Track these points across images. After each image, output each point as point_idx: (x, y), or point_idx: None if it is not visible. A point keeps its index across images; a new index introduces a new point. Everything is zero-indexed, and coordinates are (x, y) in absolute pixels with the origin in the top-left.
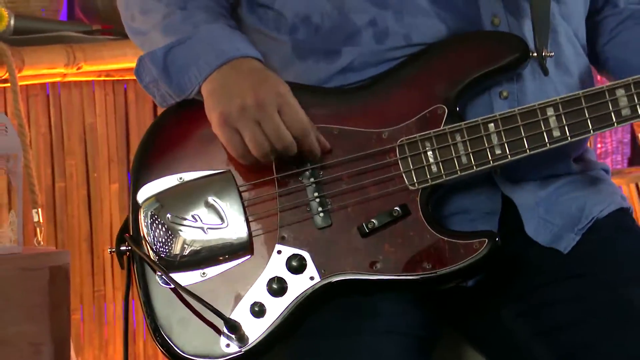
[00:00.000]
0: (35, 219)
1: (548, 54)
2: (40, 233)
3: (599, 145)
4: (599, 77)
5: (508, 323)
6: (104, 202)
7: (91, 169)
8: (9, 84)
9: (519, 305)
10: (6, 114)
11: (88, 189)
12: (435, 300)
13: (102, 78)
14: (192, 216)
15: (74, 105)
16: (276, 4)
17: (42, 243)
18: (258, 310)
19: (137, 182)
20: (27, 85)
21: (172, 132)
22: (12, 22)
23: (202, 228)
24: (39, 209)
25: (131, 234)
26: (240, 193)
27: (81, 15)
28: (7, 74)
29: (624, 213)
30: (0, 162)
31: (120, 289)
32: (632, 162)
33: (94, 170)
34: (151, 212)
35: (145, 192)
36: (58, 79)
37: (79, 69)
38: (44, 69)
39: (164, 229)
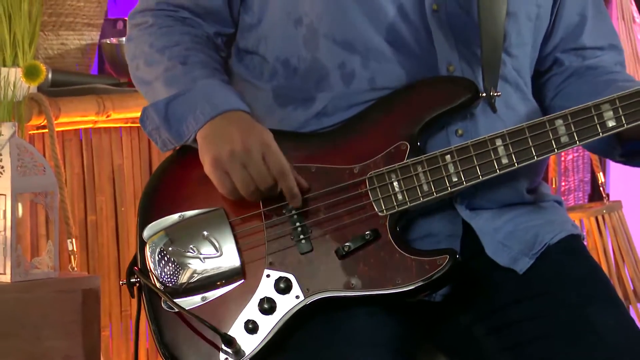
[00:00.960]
0: (70, 248)
1: (496, 94)
2: (74, 260)
3: (563, 184)
4: None
5: (478, 338)
6: (130, 233)
7: (119, 204)
8: (47, 130)
9: (487, 322)
10: (44, 156)
11: (116, 222)
12: (411, 315)
13: (128, 125)
14: (191, 248)
15: (104, 149)
16: (260, 49)
17: (75, 269)
18: (251, 327)
19: (143, 221)
20: (62, 131)
21: (172, 177)
22: (49, 76)
23: (199, 258)
24: (73, 239)
25: (139, 267)
26: (231, 226)
27: (110, 70)
28: (46, 121)
29: (575, 239)
30: (39, 199)
31: (144, 309)
32: (592, 198)
33: (121, 205)
34: (156, 247)
35: (151, 230)
36: (90, 126)
37: (108, 116)
38: (77, 117)
39: (167, 261)
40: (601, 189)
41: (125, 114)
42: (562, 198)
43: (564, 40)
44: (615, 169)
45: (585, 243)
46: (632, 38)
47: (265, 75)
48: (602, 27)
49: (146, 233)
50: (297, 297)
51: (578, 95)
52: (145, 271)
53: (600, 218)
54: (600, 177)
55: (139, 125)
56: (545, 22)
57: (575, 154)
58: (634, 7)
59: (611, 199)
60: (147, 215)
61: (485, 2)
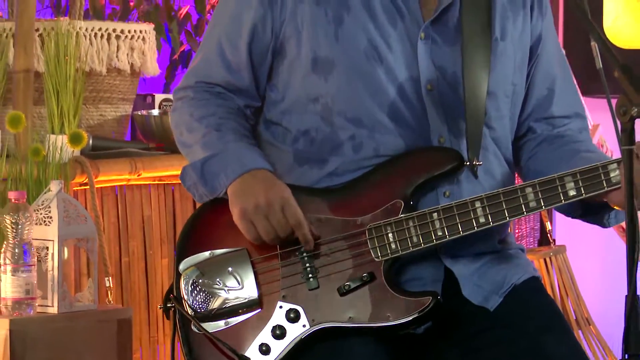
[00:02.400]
0: (107, 285)
1: (478, 163)
2: (111, 295)
3: (516, 230)
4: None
5: None
6: (157, 272)
7: (148, 248)
8: (88, 187)
9: (460, 348)
10: (86, 208)
11: (145, 263)
12: (398, 345)
13: (156, 182)
14: (218, 281)
15: (135, 202)
16: (283, 121)
17: (112, 302)
18: (265, 350)
19: (179, 257)
20: (101, 187)
21: (205, 221)
22: (90, 141)
23: (224, 290)
24: (110, 277)
25: (175, 294)
26: (252, 264)
27: (140, 137)
28: (87, 180)
29: (535, 280)
30: (81, 244)
31: (169, 335)
32: (540, 243)
33: (150, 249)
34: (189, 278)
35: (185, 264)
36: (124, 183)
37: (139, 175)
38: (113, 176)
39: (198, 291)
40: (548, 235)
41: (153, 173)
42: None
43: (535, 110)
44: (560, 218)
45: None
46: None
47: (288, 141)
48: (568, 98)
49: (182, 266)
50: (304, 326)
51: (548, 161)
52: (179, 298)
53: (547, 260)
54: (548, 226)
55: (165, 182)
56: (520, 97)
57: None
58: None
59: (557, 244)
60: (182, 251)
61: (469, 83)
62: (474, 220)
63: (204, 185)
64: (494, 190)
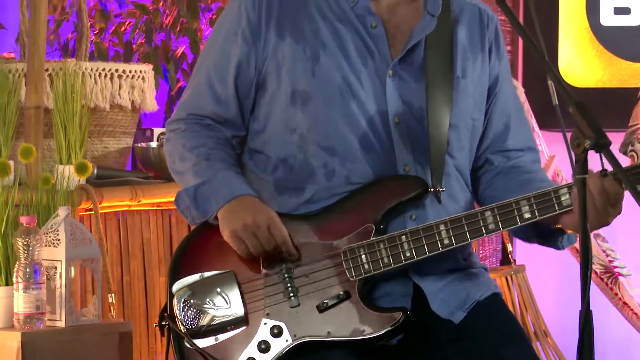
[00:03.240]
0: (110, 301)
1: (441, 189)
2: (113, 310)
3: (480, 251)
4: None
5: None
6: (156, 290)
7: (147, 267)
8: (93, 212)
9: (429, 358)
10: (91, 231)
11: (145, 281)
12: (373, 356)
13: (155, 208)
14: (208, 301)
15: (136, 226)
16: (265, 149)
17: (114, 316)
18: None
19: (172, 279)
20: (105, 212)
21: (195, 246)
22: (95, 171)
23: (214, 309)
24: (113, 294)
25: (168, 313)
26: (239, 285)
27: (140, 167)
28: (92, 206)
29: (497, 296)
30: (87, 264)
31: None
32: (502, 263)
33: (149, 268)
34: (181, 298)
35: (178, 285)
36: (125, 209)
37: (139, 202)
38: (115, 202)
39: (189, 310)
40: (509, 256)
41: (152, 200)
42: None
43: (493, 144)
44: (520, 241)
45: None
46: None
47: (268, 170)
48: (522, 133)
49: (174, 288)
50: (287, 340)
51: (504, 190)
52: (172, 317)
53: (509, 278)
54: (509, 247)
55: (162, 208)
56: (478, 131)
57: None
58: (533, 120)
59: (517, 263)
60: (175, 274)
61: (433, 117)
62: (439, 242)
63: (196, 209)
64: (456, 214)
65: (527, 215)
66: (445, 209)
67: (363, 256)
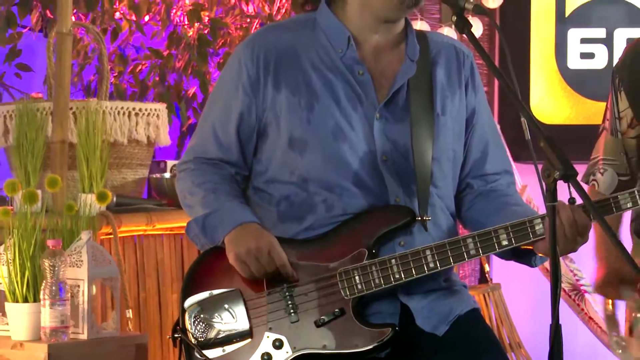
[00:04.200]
0: (127, 315)
1: (427, 218)
2: (130, 324)
3: (461, 271)
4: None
5: None
6: (169, 305)
7: (161, 285)
8: (112, 236)
9: None
10: (110, 253)
11: (159, 298)
12: None
13: (168, 232)
14: (216, 316)
15: (151, 248)
16: (268, 189)
17: (131, 330)
18: None
19: (184, 296)
20: (123, 236)
21: (204, 267)
22: (114, 199)
23: (221, 323)
24: (130, 309)
25: (180, 327)
26: (244, 302)
27: (155, 195)
28: (111, 230)
29: (476, 311)
30: (106, 282)
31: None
32: (480, 281)
33: (163, 287)
34: (192, 313)
35: (189, 302)
36: (141, 233)
37: (154, 227)
38: (133, 227)
39: (199, 324)
40: (487, 275)
41: (166, 225)
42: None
43: (472, 170)
44: (497, 261)
45: None
46: None
47: (273, 204)
48: (498, 158)
49: (186, 304)
50: (287, 352)
51: (483, 212)
52: (184, 330)
53: (486, 295)
54: (486, 267)
55: (175, 232)
56: (459, 161)
57: None
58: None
59: (493, 282)
60: (187, 291)
61: (418, 152)
62: (425, 266)
63: (205, 237)
64: (441, 241)
65: (504, 243)
66: (431, 235)
67: (357, 277)
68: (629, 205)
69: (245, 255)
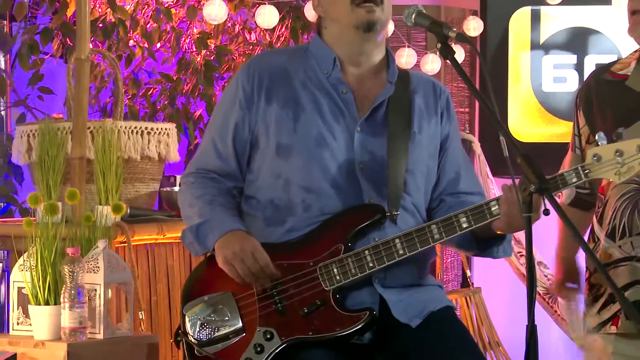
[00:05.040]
0: (140, 317)
1: (396, 213)
2: (143, 325)
3: (444, 276)
4: None
5: None
6: (178, 308)
7: (171, 289)
8: (126, 244)
9: (391, 356)
10: (124, 260)
11: (169, 300)
12: (348, 352)
13: (177, 241)
14: (213, 316)
15: (162, 255)
16: (257, 195)
17: (143, 330)
18: None
19: (184, 302)
20: (136, 244)
21: (199, 277)
22: (128, 211)
23: (217, 322)
24: (142, 312)
25: (182, 330)
26: (236, 302)
27: (165, 207)
28: (125, 239)
29: (450, 308)
30: (121, 286)
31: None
32: (462, 285)
33: (172, 290)
34: (192, 316)
35: (188, 307)
36: (153, 241)
37: (164, 236)
38: (145, 236)
39: (198, 325)
40: (468, 280)
41: (175, 234)
42: (444, 285)
43: (446, 188)
44: (477, 267)
45: (458, 314)
46: (487, 189)
47: (259, 209)
48: (472, 180)
49: (185, 310)
50: (277, 342)
51: (452, 210)
52: (185, 332)
53: (468, 298)
54: (468, 273)
55: None
56: (433, 177)
57: (452, 259)
58: (488, 169)
59: (474, 286)
60: (186, 298)
61: (392, 163)
62: (395, 253)
63: (198, 243)
64: (408, 230)
65: (465, 225)
66: (400, 229)
67: (335, 269)
68: (574, 180)
69: (231, 258)
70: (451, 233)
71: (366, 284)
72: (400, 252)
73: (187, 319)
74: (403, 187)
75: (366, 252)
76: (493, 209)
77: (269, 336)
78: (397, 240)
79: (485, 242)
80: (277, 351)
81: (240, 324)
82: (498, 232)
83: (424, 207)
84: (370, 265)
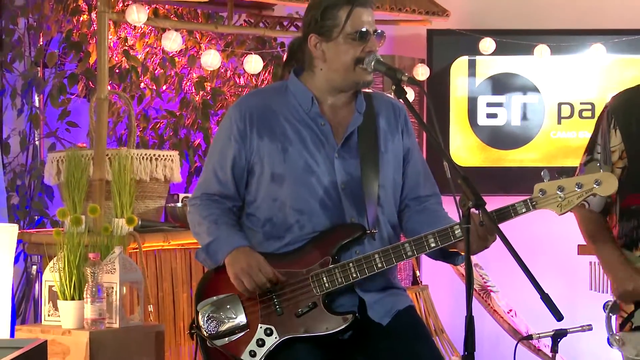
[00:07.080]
0: (149, 310)
1: (374, 231)
2: (152, 316)
3: (399, 275)
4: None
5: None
6: (180, 302)
7: (175, 287)
8: (137, 250)
9: (365, 352)
10: (136, 263)
11: (173, 296)
12: (332, 348)
13: (180, 247)
14: (221, 314)
15: (167, 259)
16: (256, 213)
17: (152, 321)
18: (253, 354)
19: (197, 300)
20: (146, 250)
21: (210, 280)
22: (139, 222)
23: (225, 319)
24: (151, 305)
25: (195, 324)
26: (242, 302)
27: (170, 219)
28: (137, 246)
29: (412, 308)
30: (133, 285)
31: (187, 342)
32: (413, 283)
33: (176, 288)
34: (205, 313)
35: (201, 305)
36: (160, 248)
37: (169, 243)
38: (153, 244)
39: (209, 321)
40: (417, 278)
41: (178, 242)
42: None
43: (409, 193)
44: (425, 268)
45: None
46: None
47: (259, 226)
48: (429, 184)
49: (199, 307)
50: (276, 337)
51: (419, 223)
52: (198, 326)
53: (417, 294)
54: (417, 272)
55: (185, 247)
56: (399, 186)
57: (404, 262)
58: None
59: (423, 284)
60: (199, 297)
61: (366, 182)
62: (374, 266)
63: (210, 260)
64: (385, 247)
65: (432, 245)
66: (378, 244)
67: (324, 278)
68: (524, 210)
69: (240, 274)
70: (421, 251)
71: (348, 290)
72: (379, 265)
73: (200, 316)
74: (377, 200)
75: (350, 264)
76: (456, 232)
77: (269, 332)
78: (376, 256)
79: (449, 254)
80: (275, 345)
81: (245, 321)
82: (461, 252)
83: (394, 213)
84: (354, 275)
